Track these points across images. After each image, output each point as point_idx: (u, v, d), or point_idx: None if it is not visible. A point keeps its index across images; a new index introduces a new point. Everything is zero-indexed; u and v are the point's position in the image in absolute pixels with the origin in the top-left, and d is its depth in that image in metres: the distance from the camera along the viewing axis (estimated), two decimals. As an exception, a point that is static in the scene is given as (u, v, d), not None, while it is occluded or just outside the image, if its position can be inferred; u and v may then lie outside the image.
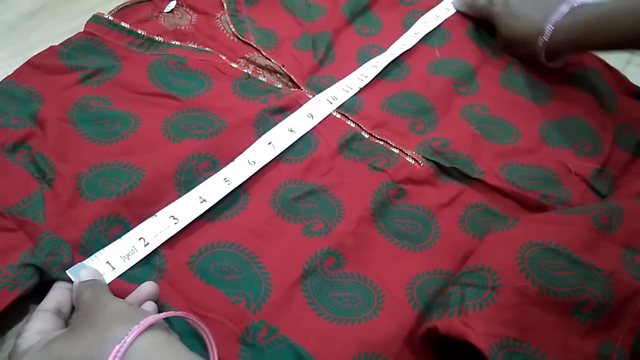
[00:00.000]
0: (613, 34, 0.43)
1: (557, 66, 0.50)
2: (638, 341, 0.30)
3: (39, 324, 0.28)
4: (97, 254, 0.33)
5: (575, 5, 0.45)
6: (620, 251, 0.33)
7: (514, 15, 0.49)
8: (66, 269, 0.32)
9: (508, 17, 0.50)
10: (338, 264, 0.35)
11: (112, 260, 0.33)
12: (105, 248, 0.33)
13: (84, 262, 0.32)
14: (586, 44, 0.46)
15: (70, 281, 0.31)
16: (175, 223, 0.35)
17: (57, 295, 0.30)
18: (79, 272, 0.31)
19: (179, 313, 0.29)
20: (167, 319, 0.30)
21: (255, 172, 0.39)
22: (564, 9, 0.45)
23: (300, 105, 0.44)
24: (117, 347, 0.24)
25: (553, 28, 0.45)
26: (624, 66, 0.54)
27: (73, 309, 0.31)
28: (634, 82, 0.51)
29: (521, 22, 0.48)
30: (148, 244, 0.34)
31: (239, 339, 0.31)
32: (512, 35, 0.49)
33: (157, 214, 0.35)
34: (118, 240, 0.34)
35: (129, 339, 0.25)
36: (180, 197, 0.37)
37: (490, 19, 0.52)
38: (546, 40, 0.46)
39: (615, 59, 0.53)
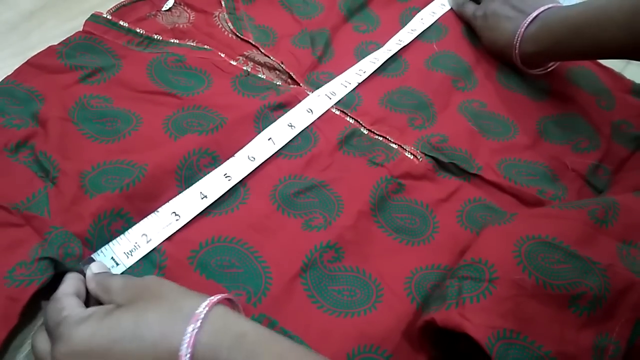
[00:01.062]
0: (579, 44, 0.43)
1: (540, 72, 0.50)
2: (634, 333, 0.30)
3: (71, 301, 0.29)
4: (102, 249, 0.33)
5: (534, 15, 0.46)
6: (616, 245, 0.33)
7: (490, 28, 0.50)
8: (79, 261, 0.32)
9: (486, 29, 0.51)
10: (337, 257, 0.36)
11: (116, 256, 0.33)
12: (109, 244, 0.34)
13: (92, 256, 0.33)
14: (555, 54, 0.47)
15: (83, 273, 0.32)
16: (177, 219, 0.35)
17: (74, 283, 0.31)
18: (90, 266, 0.31)
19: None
20: None
21: (255, 168, 0.39)
22: (527, 20, 0.46)
23: (300, 101, 0.44)
24: (197, 312, 0.25)
25: (519, 40, 0.47)
26: (624, 66, 0.54)
27: (87, 298, 0.31)
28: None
29: (496, 35, 0.49)
30: (150, 240, 0.34)
31: None
32: (492, 46, 0.51)
33: (158, 210, 0.36)
34: (121, 236, 0.34)
35: (209, 305, 0.26)
36: (180, 192, 0.37)
37: (475, 31, 0.53)
38: (517, 52, 0.47)
39: (614, 61, 0.53)
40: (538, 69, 0.50)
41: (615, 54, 0.43)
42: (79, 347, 0.26)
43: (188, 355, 0.25)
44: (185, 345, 0.25)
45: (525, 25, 0.46)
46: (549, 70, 0.50)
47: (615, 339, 0.30)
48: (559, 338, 0.29)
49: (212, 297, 0.27)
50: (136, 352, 0.25)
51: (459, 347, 0.31)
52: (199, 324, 0.25)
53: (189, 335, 0.25)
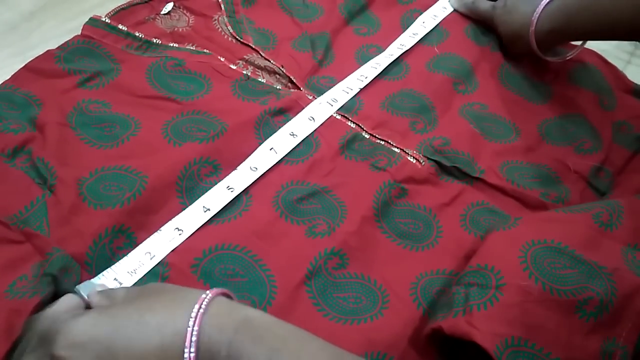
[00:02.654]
0: (591, 22, 0.44)
1: (557, 61, 0.50)
2: (641, 338, 0.30)
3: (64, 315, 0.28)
4: (104, 272, 0.33)
5: None
6: (622, 248, 0.33)
7: (509, 11, 0.51)
8: (77, 284, 0.31)
9: (505, 14, 0.51)
10: (342, 264, 0.35)
11: (119, 276, 0.33)
12: (113, 266, 0.33)
13: (92, 280, 0.32)
14: (569, 33, 0.47)
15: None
16: (180, 234, 0.35)
17: (68, 301, 0.30)
18: (90, 289, 0.30)
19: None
20: None
21: (258, 177, 0.39)
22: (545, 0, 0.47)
23: (301, 107, 0.44)
24: (201, 297, 0.25)
25: (537, 18, 0.47)
26: (624, 66, 0.54)
27: None
28: (635, 82, 0.51)
29: (515, 17, 0.50)
30: (154, 256, 0.34)
31: None
32: (509, 30, 0.51)
33: (161, 228, 0.35)
34: (125, 258, 0.34)
35: (212, 292, 0.26)
36: (181, 203, 0.37)
37: (492, 22, 0.53)
38: (533, 29, 0.48)
39: (615, 59, 0.53)
40: (554, 58, 0.50)
41: (627, 34, 0.44)
42: (79, 338, 0.25)
43: (194, 335, 0.24)
44: (192, 324, 0.24)
45: (544, 3, 0.47)
46: (567, 58, 0.50)
47: (622, 343, 0.30)
48: (566, 344, 0.29)
49: (214, 289, 0.27)
50: (141, 338, 0.25)
51: (466, 354, 0.31)
52: (204, 305, 0.25)
53: (194, 314, 0.25)
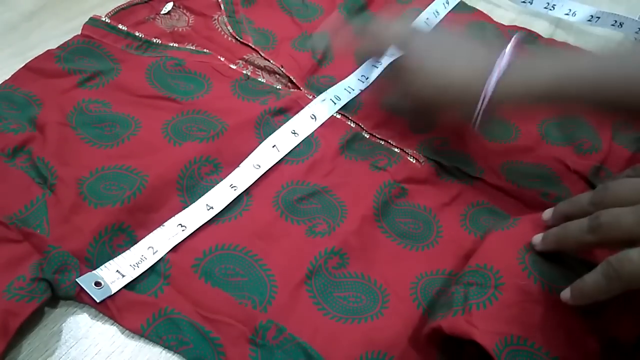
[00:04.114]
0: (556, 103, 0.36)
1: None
2: (640, 338, 0.30)
3: None
4: (106, 264, 0.33)
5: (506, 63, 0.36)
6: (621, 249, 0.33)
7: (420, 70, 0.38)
8: (74, 287, 0.31)
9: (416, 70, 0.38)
10: (342, 263, 0.35)
11: (122, 269, 0.33)
12: (115, 259, 0.33)
13: (94, 272, 0.32)
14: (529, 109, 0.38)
15: (81, 290, 0.31)
16: (183, 230, 0.35)
17: None
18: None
19: None
20: (176, 324, 0.31)
21: (261, 175, 0.39)
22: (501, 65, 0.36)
23: (301, 106, 0.44)
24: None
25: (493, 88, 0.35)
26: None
27: None
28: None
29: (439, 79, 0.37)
30: (157, 251, 0.34)
31: (248, 340, 0.31)
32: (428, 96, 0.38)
33: (165, 224, 0.35)
34: (127, 251, 0.34)
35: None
36: (182, 201, 0.37)
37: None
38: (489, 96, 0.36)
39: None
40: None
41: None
42: None
43: None
44: None
45: (501, 71, 0.35)
46: None
47: (621, 343, 0.30)
48: (566, 343, 0.29)
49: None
50: None
51: (466, 353, 0.31)
52: None
53: None
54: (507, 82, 0.36)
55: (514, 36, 0.38)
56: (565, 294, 0.29)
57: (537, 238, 0.32)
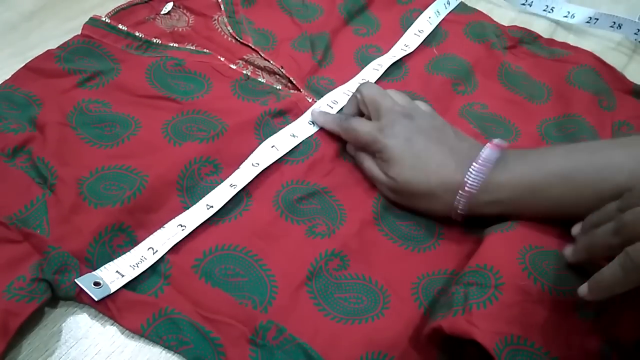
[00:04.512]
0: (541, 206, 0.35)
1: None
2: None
3: None
4: (106, 265, 0.33)
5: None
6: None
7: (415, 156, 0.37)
8: (74, 288, 0.31)
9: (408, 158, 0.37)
10: (343, 265, 0.35)
11: (121, 269, 0.33)
12: (115, 260, 0.33)
13: (93, 272, 0.32)
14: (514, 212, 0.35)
15: (81, 290, 0.31)
16: (183, 230, 0.35)
17: None
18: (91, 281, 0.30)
19: None
20: (176, 324, 0.31)
21: (258, 174, 0.39)
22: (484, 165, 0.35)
23: (300, 109, 0.44)
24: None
25: (477, 183, 0.35)
26: (624, 66, 0.54)
27: None
28: (635, 82, 0.51)
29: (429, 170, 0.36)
30: (157, 251, 0.34)
31: (249, 340, 0.31)
32: (416, 182, 0.36)
33: (165, 225, 0.35)
34: (128, 253, 0.34)
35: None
36: (182, 201, 0.37)
37: (377, 150, 0.38)
38: (467, 194, 0.35)
39: (615, 60, 0.53)
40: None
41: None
42: None
43: None
44: None
45: (484, 165, 0.35)
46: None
47: (622, 343, 0.30)
48: (566, 344, 0.29)
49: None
50: None
51: (466, 353, 0.31)
52: None
53: None
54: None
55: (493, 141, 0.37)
56: (583, 289, 0.28)
57: (568, 250, 0.31)
